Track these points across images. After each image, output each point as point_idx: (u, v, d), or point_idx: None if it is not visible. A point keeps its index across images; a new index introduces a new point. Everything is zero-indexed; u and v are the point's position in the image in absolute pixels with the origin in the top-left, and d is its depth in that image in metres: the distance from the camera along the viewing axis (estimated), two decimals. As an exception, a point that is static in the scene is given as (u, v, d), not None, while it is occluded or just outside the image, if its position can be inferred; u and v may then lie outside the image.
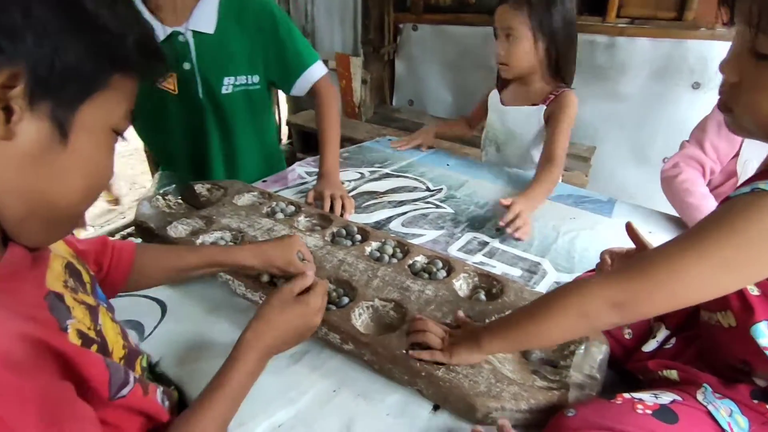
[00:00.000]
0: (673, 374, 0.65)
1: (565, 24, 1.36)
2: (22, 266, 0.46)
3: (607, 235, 1.18)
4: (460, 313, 0.80)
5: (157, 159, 1.61)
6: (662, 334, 0.73)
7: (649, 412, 0.56)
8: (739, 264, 0.50)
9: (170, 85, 1.24)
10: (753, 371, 0.59)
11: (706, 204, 1.19)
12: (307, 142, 3.12)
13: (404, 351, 0.73)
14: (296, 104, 3.29)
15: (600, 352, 0.74)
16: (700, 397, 0.59)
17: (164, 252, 0.80)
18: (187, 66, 1.25)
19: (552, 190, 1.35)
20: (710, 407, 0.57)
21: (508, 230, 1.13)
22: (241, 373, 0.62)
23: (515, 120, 1.52)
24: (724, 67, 0.55)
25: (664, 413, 0.56)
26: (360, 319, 0.82)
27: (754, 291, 0.56)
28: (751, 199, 0.49)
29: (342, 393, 0.74)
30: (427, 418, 0.70)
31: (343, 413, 0.70)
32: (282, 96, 3.28)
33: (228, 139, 1.41)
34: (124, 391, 0.51)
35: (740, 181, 1.17)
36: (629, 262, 0.57)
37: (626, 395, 0.60)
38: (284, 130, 3.41)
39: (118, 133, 0.48)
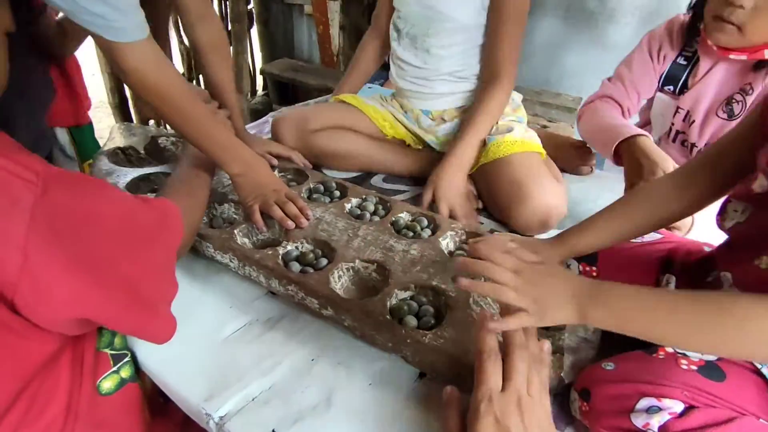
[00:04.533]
0: None
1: None
2: None
3: (597, 189, 1.13)
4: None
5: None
6: (672, 284, 0.69)
7: (694, 368, 0.53)
8: None
9: None
10: None
11: (621, 122, 1.03)
12: (284, 93, 2.97)
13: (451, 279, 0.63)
14: (271, 52, 3.11)
15: (595, 314, 0.70)
16: None
17: None
18: None
19: (497, 118, 1.05)
20: (763, 368, 0.53)
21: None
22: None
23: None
24: None
25: (711, 369, 0.52)
26: (340, 282, 0.77)
27: None
28: None
29: (321, 362, 0.69)
30: (412, 387, 0.66)
31: (322, 384, 0.65)
32: (256, 42, 3.10)
33: None
34: None
35: (653, 135, 1.13)
36: None
37: (668, 349, 0.56)
38: (258, 81, 3.24)
39: (8, 35, 0.59)
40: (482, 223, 1.00)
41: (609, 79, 1.14)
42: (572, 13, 2.35)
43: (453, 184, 0.98)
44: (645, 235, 0.75)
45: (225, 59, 1.06)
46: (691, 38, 1.02)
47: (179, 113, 0.79)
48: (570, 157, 1.19)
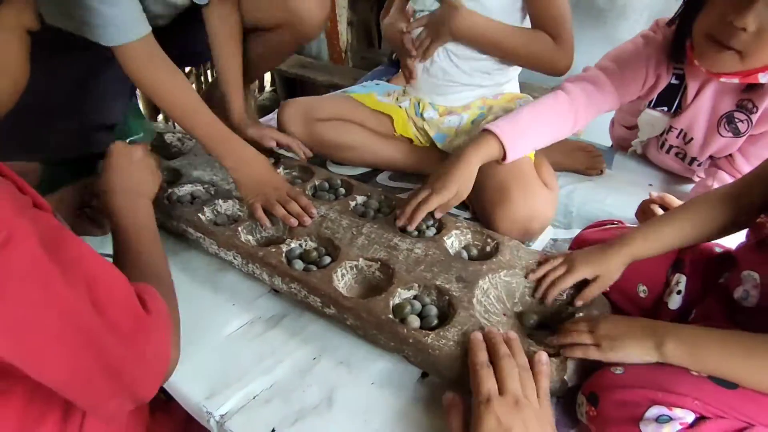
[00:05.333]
0: None
1: None
2: None
3: (606, 188, 1.11)
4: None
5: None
6: (683, 283, 0.68)
7: (704, 374, 0.52)
8: None
9: None
10: None
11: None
12: (292, 90, 2.97)
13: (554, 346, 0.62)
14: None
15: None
16: None
17: None
18: None
19: (531, 58, 1.00)
20: None
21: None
22: (132, 226, 0.66)
23: None
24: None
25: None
26: (343, 280, 0.76)
27: None
28: None
29: (323, 361, 0.68)
30: (414, 387, 0.65)
31: (323, 383, 0.65)
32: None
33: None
34: None
35: (640, 136, 1.10)
36: None
37: None
38: (266, 77, 3.23)
39: (31, 32, 0.55)
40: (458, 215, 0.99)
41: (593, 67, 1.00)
42: (581, 10, 2.31)
43: (454, 16, 0.97)
44: None
45: (238, 49, 1.08)
46: (678, 57, 0.92)
47: (170, 107, 0.85)
48: (579, 161, 1.18)
